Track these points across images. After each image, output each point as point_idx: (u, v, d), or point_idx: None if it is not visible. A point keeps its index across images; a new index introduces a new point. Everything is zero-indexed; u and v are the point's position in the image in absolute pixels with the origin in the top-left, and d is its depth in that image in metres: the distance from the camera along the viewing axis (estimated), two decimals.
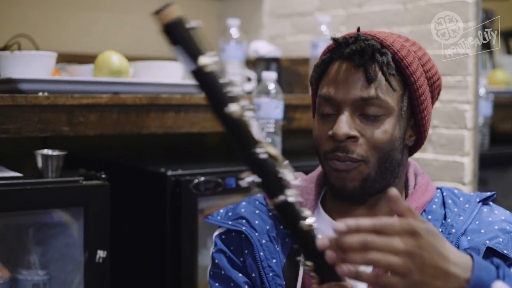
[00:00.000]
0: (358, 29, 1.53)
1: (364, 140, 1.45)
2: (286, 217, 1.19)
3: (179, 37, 1.09)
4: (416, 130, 1.55)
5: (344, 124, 1.43)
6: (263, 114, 2.30)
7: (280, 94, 2.34)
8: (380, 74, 1.45)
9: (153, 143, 2.92)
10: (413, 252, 1.10)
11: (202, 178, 2.15)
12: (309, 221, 1.18)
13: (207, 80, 1.10)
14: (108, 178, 2.02)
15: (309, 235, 1.19)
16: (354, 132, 1.44)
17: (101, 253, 1.98)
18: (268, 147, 1.18)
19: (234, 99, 1.10)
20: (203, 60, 1.08)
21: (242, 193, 2.24)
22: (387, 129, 1.45)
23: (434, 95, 1.56)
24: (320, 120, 1.50)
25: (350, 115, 1.45)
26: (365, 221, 1.11)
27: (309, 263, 1.18)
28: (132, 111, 2.14)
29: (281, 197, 1.18)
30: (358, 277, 1.12)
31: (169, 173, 2.14)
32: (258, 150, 1.16)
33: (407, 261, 1.10)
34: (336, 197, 1.54)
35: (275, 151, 1.19)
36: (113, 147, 2.82)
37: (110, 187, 2.00)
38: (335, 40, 1.52)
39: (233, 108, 1.10)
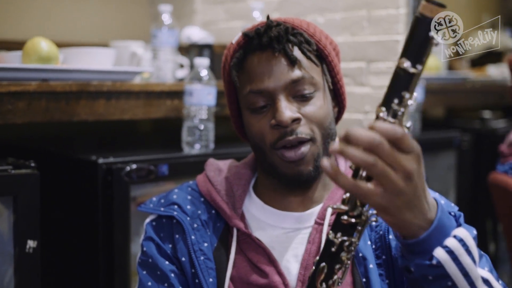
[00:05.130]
0: (268, 17, 1.56)
1: (305, 120, 1.49)
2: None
3: (421, 34, 1.07)
4: (336, 101, 1.62)
5: (286, 109, 1.47)
6: (196, 100, 2.29)
7: (212, 80, 2.33)
8: (299, 54, 1.51)
9: (84, 131, 2.89)
10: (412, 177, 1.06)
11: (134, 166, 2.13)
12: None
13: (400, 80, 1.08)
14: (37, 166, 1.98)
15: None
16: (297, 115, 1.48)
17: (31, 243, 1.94)
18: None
19: (393, 111, 1.08)
20: (413, 68, 1.06)
21: (175, 180, 2.23)
22: (321, 104, 1.51)
23: (339, 63, 1.62)
24: (254, 116, 1.53)
25: (287, 100, 1.47)
26: (386, 126, 1.05)
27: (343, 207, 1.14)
28: (62, 98, 2.11)
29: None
30: (336, 177, 1.06)
31: (100, 161, 2.11)
32: None
33: (403, 182, 1.06)
34: (290, 185, 1.56)
35: None
36: (43, 135, 2.78)
37: (39, 176, 1.97)
38: (246, 34, 1.54)
39: (380, 111, 1.08)
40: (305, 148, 1.48)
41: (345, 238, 1.16)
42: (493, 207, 3.23)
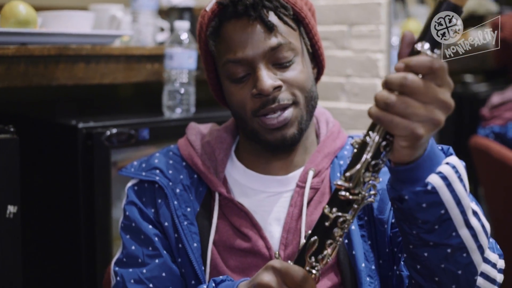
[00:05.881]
0: None
1: (286, 85, 1.48)
2: None
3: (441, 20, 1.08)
4: (315, 62, 1.61)
5: (267, 77, 1.46)
6: (176, 64, 2.28)
7: (193, 44, 2.31)
8: (276, 19, 1.49)
9: (63, 95, 2.86)
10: (450, 109, 1.11)
11: (115, 130, 2.11)
12: None
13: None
14: (17, 131, 1.96)
15: None
16: (278, 82, 1.47)
17: (11, 208, 1.93)
18: None
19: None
20: (431, 52, 1.09)
21: (156, 145, 2.22)
22: (301, 68, 1.50)
23: (315, 24, 1.61)
24: (234, 86, 1.52)
25: (267, 68, 1.46)
26: (422, 58, 1.07)
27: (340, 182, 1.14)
28: (41, 62, 2.08)
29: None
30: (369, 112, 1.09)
31: (80, 125, 2.09)
32: None
33: (442, 114, 1.09)
34: (274, 151, 1.56)
35: None
36: (22, 99, 2.75)
37: (19, 141, 1.95)
38: (221, 3, 1.51)
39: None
40: (288, 113, 1.47)
41: (339, 214, 1.16)
42: (474, 171, 3.25)
